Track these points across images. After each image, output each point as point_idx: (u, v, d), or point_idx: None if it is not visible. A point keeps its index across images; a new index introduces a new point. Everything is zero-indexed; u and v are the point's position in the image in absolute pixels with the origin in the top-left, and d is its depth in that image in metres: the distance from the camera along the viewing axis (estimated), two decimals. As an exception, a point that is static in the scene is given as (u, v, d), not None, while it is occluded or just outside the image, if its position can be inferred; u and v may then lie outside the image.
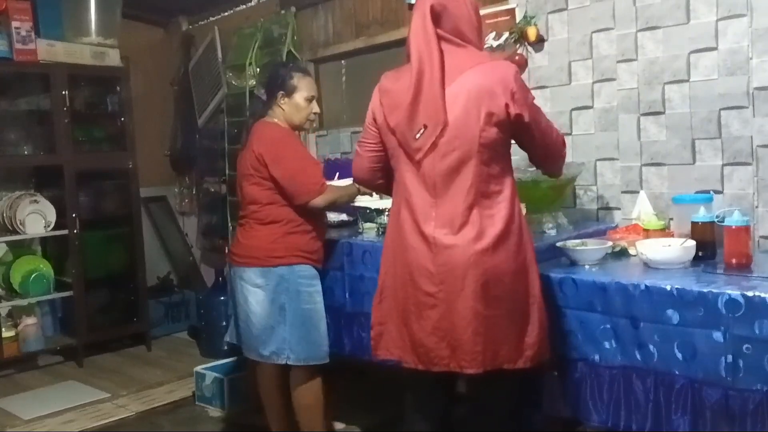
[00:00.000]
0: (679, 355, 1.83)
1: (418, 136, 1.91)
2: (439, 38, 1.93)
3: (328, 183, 2.69)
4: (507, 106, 1.86)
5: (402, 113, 1.95)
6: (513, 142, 2.01)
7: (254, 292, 2.65)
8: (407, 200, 1.98)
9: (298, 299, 2.62)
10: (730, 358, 1.74)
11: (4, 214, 4.17)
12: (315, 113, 2.73)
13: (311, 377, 2.72)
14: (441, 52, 1.91)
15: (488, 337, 1.88)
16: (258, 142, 2.63)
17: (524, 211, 2.10)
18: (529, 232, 2.01)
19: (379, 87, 2.10)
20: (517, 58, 2.98)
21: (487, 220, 1.89)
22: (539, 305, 1.96)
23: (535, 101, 1.98)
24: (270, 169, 2.58)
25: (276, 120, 2.69)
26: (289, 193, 2.59)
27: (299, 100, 2.66)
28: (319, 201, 2.61)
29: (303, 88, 2.67)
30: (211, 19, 4.80)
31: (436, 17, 1.93)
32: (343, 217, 3.38)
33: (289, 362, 2.66)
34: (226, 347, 4.15)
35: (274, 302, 2.63)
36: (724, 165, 2.49)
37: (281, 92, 2.65)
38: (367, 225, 2.95)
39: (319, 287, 2.69)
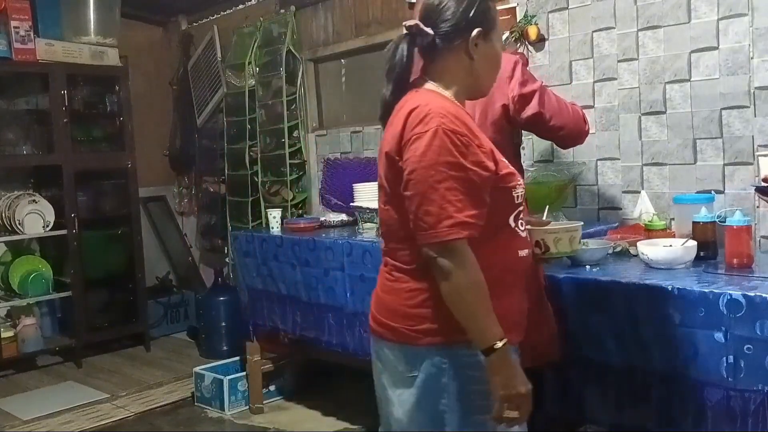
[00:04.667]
0: (681, 356, 1.83)
1: None
2: None
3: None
4: (504, 106, 1.83)
5: None
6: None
7: (394, 383, 1.58)
8: None
9: (464, 403, 1.50)
10: (731, 358, 1.74)
11: (3, 214, 4.15)
12: None
13: None
14: None
15: None
16: (398, 127, 1.49)
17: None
18: None
19: None
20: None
21: None
22: (545, 306, 1.95)
23: (542, 84, 1.91)
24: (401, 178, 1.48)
25: (439, 86, 1.56)
26: (416, 234, 1.46)
27: (498, 45, 1.61)
28: (439, 260, 1.41)
29: (499, 25, 1.63)
30: (211, 18, 4.79)
31: None
32: (343, 217, 3.39)
33: None
34: (226, 348, 4.17)
35: (423, 406, 1.53)
36: (725, 165, 2.48)
37: (478, 30, 1.53)
38: (367, 225, 2.95)
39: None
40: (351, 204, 3.21)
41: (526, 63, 2.13)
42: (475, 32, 1.52)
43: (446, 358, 1.48)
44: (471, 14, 1.52)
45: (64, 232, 4.22)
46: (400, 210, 1.48)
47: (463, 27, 1.51)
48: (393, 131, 1.48)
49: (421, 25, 1.48)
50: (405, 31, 1.49)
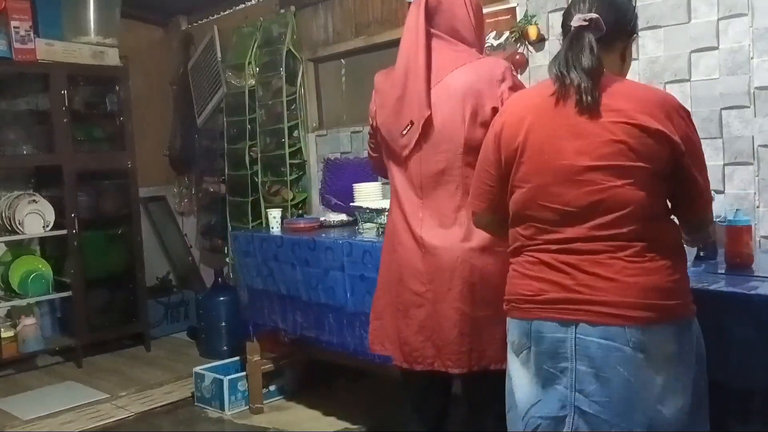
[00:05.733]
0: (681, 356, 1.83)
1: (404, 132, 1.93)
2: (432, 36, 1.93)
3: None
4: (494, 108, 1.84)
5: (389, 110, 1.97)
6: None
7: (666, 369, 1.49)
8: (398, 200, 2.01)
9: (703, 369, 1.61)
10: (731, 358, 1.74)
11: (3, 214, 4.16)
12: None
13: None
14: (429, 49, 1.91)
15: (474, 338, 1.88)
16: (649, 106, 1.47)
17: None
18: None
19: (374, 86, 2.11)
20: (517, 57, 2.97)
21: None
22: None
23: None
24: (682, 154, 1.52)
25: None
26: (695, 201, 1.64)
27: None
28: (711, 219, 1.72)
29: None
30: (211, 18, 4.80)
31: (430, 14, 1.93)
32: (343, 217, 3.39)
33: None
34: (226, 347, 4.17)
35: (694, 379, 1.55)
36: (725, 165, 2.48)
37: (634, 36, 1.66)
38: (367, 225, 2.95)
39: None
40: (351, 204, 3.21)
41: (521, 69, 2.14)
42: (633, 37, 1.64)
43: (696, 326, 1.57)
44: (634, 20, 1.65)
45: (64, 232, 4.22)
46: (659, 189, 1.53)
47: (628, 31, 1.62)
48: (647, 111, 1.46)
49: (601, 20, 1.50)
50: (584, 23, 1.49)
